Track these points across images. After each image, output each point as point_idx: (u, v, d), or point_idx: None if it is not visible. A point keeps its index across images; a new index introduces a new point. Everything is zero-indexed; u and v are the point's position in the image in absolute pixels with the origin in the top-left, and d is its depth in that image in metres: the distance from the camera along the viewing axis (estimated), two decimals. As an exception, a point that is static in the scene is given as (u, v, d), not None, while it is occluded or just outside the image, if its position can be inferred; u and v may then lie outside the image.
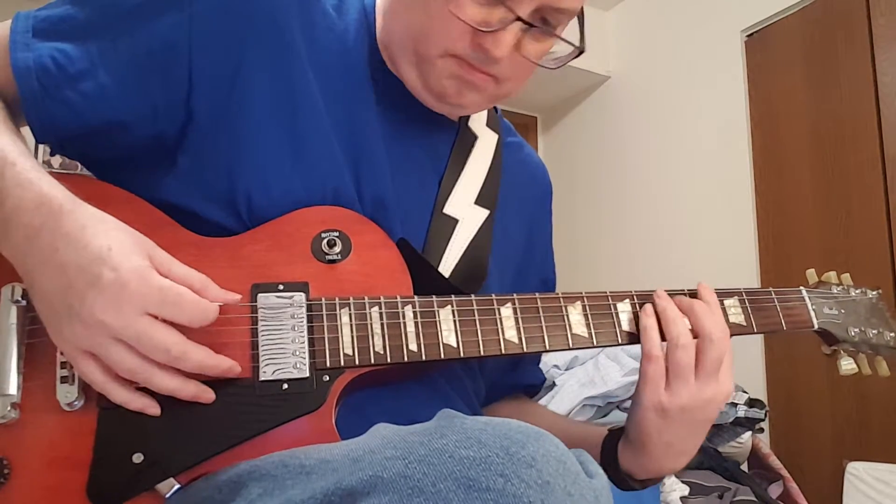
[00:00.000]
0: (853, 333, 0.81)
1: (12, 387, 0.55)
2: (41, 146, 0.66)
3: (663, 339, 0.68)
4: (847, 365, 0.81)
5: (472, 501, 0.42)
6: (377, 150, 0.72)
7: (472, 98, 0.72)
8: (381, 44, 0.75)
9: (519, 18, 0.64)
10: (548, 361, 2.10)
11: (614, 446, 0.72)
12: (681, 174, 2.93)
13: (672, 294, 0.72)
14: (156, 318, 0.52)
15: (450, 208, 0.76)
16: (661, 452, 0.68)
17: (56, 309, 0.53)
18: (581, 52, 0.70)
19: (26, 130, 0.65)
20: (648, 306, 0.70)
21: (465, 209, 0.77)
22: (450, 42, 0.66)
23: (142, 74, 0.64)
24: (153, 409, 0.55)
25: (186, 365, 0.53)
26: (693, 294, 0.73)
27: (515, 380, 0.90)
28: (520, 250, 0.87)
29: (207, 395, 0.56)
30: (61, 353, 0.56)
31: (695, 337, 0.67)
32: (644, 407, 0.67)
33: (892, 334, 0.84)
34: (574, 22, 0.71)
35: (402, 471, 0.44)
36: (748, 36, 2.72)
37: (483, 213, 0.78)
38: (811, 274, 0.87)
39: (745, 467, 2.03)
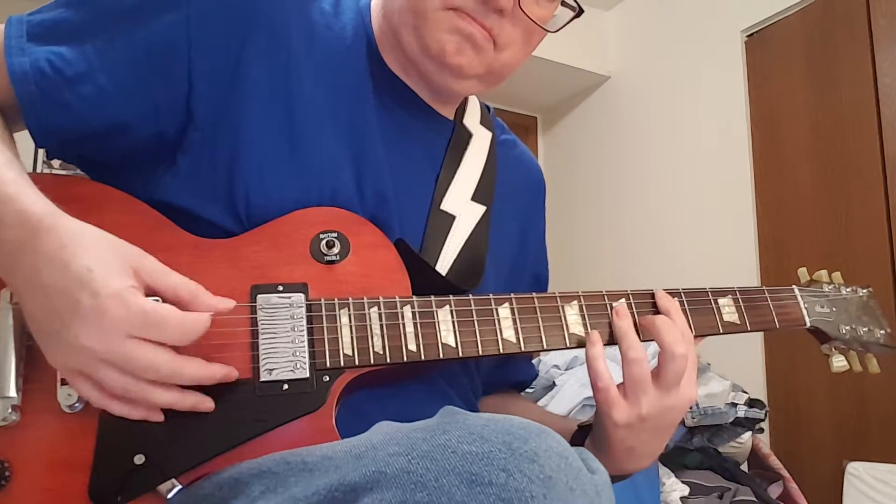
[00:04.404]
0: (844, 331, 0.83)
1: (12, 389, 0.55)
2: (41, 150, 0.66)
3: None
4: (838, 362, 0.82)
5: (474, 496, 0.42)
6: (377, 147, 0.72)
7: (470, 58, 0.70)
8: (378, 41, 0.76)
9: None
10: (548, 362, 2.10)
11: (581, 443, 0.72)
12: (681, 174, 2.93)
13: (636, 297, 0.71)
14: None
15: (447, 205, 0.76)
16: (623, 456, 0.68)
17: (44, 330, 0.52)
18: (581, 12, 0.71)
19: (24, 134, 0.65)
20: (593, 333, 0.68)
21: (462, 205, 0.78)
22: None
23: (141, 74, 0.64)
24: (156, 416, 0.55)
25: (180, 380, 0.53)
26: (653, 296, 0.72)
27: (506, 376, 0.91)
28: (514, 246, 0.87)
29: (206, 404, 0.56)
30: None
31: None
32: (604, 423, 0.67)
33: (882, 332, 0.86)
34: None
35: (405, 466, 0.44)
36: (748, 36, 2.71)
37: (480, 210, 0.79)
38: (803, 273, 0.88)
39: (745, 467, 2.03)
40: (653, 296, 0.72)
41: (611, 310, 0.70)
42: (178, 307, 0.53)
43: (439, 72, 0.72)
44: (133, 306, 0.50)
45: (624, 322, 0.68)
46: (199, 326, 0.53)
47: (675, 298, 0.72)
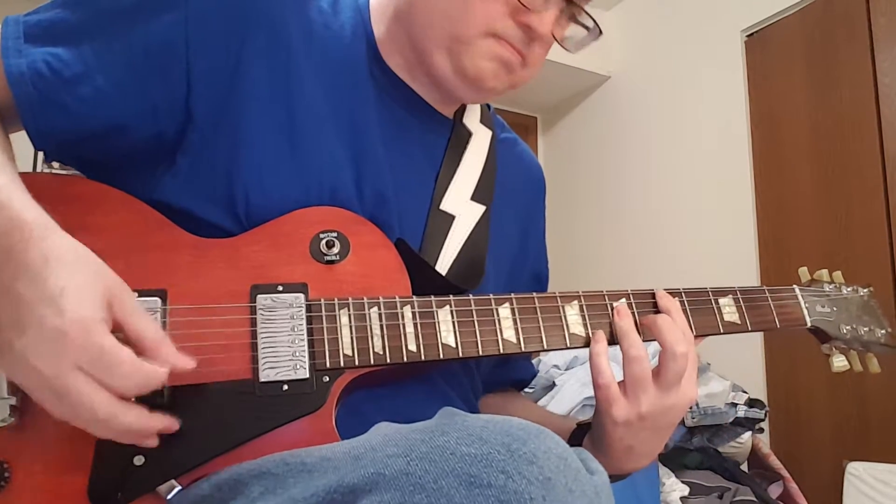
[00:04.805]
0: (845, 331, 0.83)
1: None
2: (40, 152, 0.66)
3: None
4: (839, 362, 0.82)
5: (473, 498, 0.42)
6: (377, 146, 0.72)
7: (502, 79, 0.73)
8: (380, 41, 0.76)
9: None
10: (548, 362, 2.10)
11: (580, 442, 0.72)
12: (681, 174, 2.93)
13: (636, 296, 0.71)
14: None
15: (446, 204, 0.76)
16: (622, 455, 0.68)
17: (3, 337, 0.49)
18: (600, 34, 0.74)
19: (23, 136, 0.65)
20: (598, 332, 0.69)
21: (462, 205, 0.78)
22: (492, 21, 0.68)
23: (139, 75, 0.64)
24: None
25: (113, 427, 0.50)
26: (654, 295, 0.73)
27: (506, 375, 0.91)
28: (514, 245, 0.87)
29: (149, 441, 0.53)
30: None
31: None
32: (603, 421, 0.67)
33: (883, 331, 0.86)
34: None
35: (403, 468, 0.44)
36: (748, 36, 2.71)
37: (479, 209, 0.79)
38: (804, 272, 0.88)
39: (745, 467, 2.03)
40: (653, 295, 0.72)
41: (611, 309, 0.70)
42: (136, 352, 0.50)
43: (467, 89, 0.74)
44: (94, 338, 0.48)
45: (625, 321, 0.68)
46: (151, 380, 0.50)
47: (676, 298, 0.72)
